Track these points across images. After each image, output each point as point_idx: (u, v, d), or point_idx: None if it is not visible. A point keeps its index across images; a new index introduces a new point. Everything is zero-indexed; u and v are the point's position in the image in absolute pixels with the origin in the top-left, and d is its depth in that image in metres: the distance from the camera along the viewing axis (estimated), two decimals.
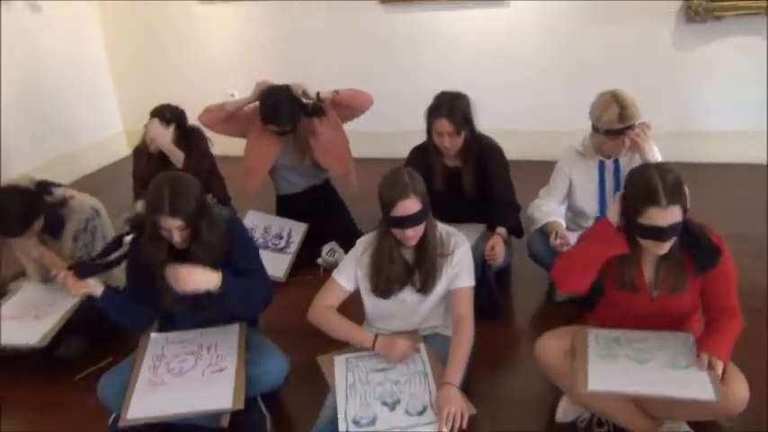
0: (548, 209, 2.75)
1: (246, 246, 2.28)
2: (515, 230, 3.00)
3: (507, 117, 4.27)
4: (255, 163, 3.37)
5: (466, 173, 2.90)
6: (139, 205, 3.51)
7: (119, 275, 2.77)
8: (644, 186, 1.85)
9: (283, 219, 3.46)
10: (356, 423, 1.89)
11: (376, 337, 2.15)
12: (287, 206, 3.51)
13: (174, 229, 2.05)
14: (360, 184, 3.46)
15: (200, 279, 2.05)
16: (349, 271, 2.27)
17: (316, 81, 3.40)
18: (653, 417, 1.98)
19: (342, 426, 1.89)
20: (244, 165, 3.39)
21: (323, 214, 3.44)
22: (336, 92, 3.27)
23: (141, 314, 2.31)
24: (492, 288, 2.77)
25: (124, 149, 5.57)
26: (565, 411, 2.12)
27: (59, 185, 2.81)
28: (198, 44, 5.12)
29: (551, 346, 2.05)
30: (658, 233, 1.85)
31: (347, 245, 3.27)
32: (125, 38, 5.28)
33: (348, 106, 3.30)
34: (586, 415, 2.11)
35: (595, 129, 2.62)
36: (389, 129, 4.60)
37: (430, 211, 2.16)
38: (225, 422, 2.11)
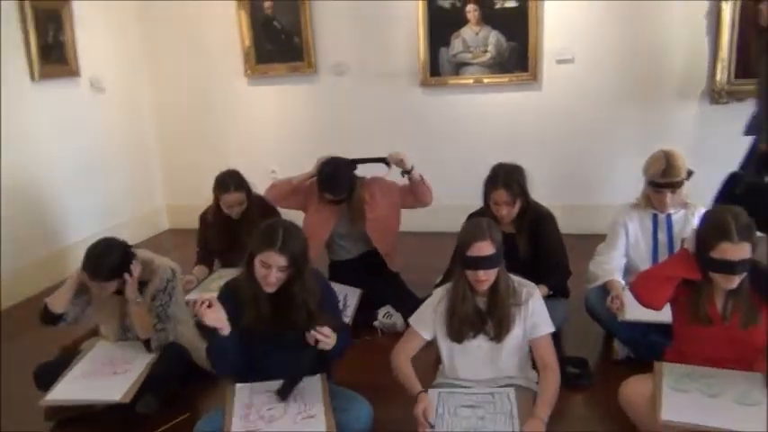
0: (609, 266, 2.90)
1: (333, 299, 2.45)
2: (562, 291, 3.13)
3: (538, 192, 4.46)
4: (313, 233, 3.50)
5: (520, 239, 3.05)
6: (197, 270, 3.67)
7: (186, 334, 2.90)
8: (718, 223, 2.06)
9: (338, 284, 3.57)
10: None
11: (420, 392, 2.23)
12: (340, 272, 3.64)
13: (276, 267, 2.18)
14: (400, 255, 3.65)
15: None
16: (426, 319, 2.40)
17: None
18: None
19: None
20: None
21: (376, 279, 3.57)
22: (422, 177, 3.49)
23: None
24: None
25: (165, 223, 5.79)
26: None
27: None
28: (242, 123, 5.38)
29: (633, 387, 2.19)
30: (730, 267, 2.03)
31: (402, 308, 3.43)
32: (173, 116, 5.55)
33: (417, 194, 3.51)
34: None
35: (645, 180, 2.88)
36: None
37: (503, 261, 2.31)
38: None
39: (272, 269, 2.20)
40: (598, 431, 2.48)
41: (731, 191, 3.61)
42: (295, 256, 2.20)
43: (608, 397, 2.54)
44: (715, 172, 4.36)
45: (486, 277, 2.25)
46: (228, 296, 2.34)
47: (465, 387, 2.33)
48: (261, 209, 3.57)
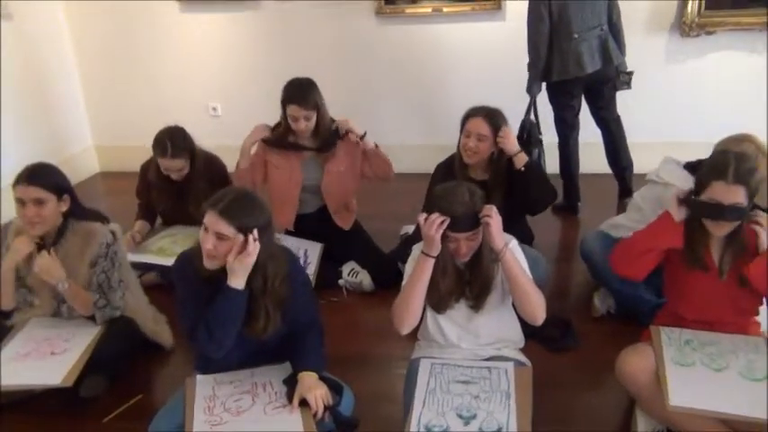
0: None
1: (307, 287, 2.20)
2: (525, 236, 2.96)
3: None
4: (285, 191, 3.25)
5: (495, 185, 2.85)
6: (138, 225, 3.31)
7: None
8: (716, 161, 1.93)
9: (297, 238, 3.30)
10: (428, 429, 1.85)
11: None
12: (300, 226, 3.35)
13: (213, 233, 1.87)
14: (362, 202, 3.46)
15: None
16: None
17: None
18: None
19: (413, 427, 1.85)
20: (272, 201, 3.25)
21: (338, 233, 3.32)
22: (377, 146, 3.20)
23: None
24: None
25: (95, 166, 5.30)
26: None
27: None
28: (177, 54, 4.88)
29: (633, 362, 2.02)
30: (718, 211, 1.89)
31: (368, 265, 3.21)
32: (97, 48, 4.98)
33: (372, 165, 3.23)
34: (660, 428, 2.08)
35: None
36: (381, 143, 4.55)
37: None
38: None
39: (209, 234, 1.87)
40: (596, 397, 2.38)
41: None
42: (243, 226, 1.88)
43: (597, 359, 2.47)
44: (680, 107, 4.29)
45: (468, 250, 2.05)
46: (185, 269, 2.03)
47: (458, 358, 2.14)
48: (208, 169, 3.21)
